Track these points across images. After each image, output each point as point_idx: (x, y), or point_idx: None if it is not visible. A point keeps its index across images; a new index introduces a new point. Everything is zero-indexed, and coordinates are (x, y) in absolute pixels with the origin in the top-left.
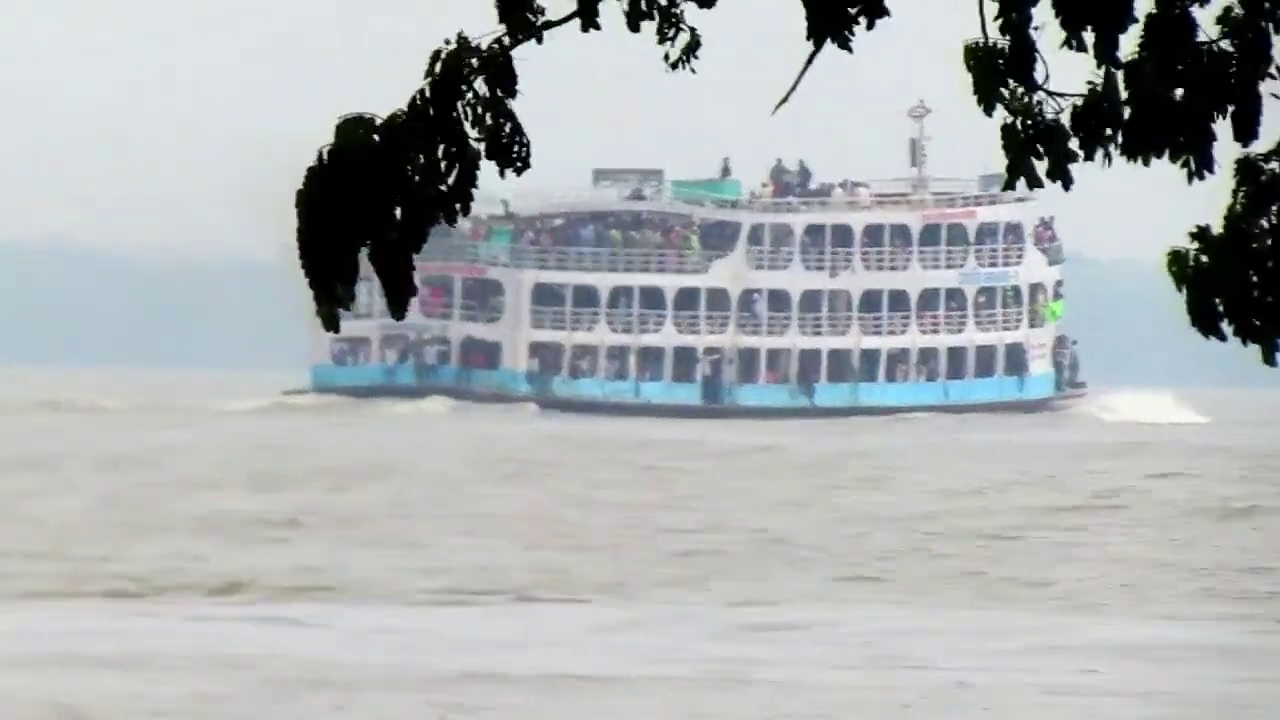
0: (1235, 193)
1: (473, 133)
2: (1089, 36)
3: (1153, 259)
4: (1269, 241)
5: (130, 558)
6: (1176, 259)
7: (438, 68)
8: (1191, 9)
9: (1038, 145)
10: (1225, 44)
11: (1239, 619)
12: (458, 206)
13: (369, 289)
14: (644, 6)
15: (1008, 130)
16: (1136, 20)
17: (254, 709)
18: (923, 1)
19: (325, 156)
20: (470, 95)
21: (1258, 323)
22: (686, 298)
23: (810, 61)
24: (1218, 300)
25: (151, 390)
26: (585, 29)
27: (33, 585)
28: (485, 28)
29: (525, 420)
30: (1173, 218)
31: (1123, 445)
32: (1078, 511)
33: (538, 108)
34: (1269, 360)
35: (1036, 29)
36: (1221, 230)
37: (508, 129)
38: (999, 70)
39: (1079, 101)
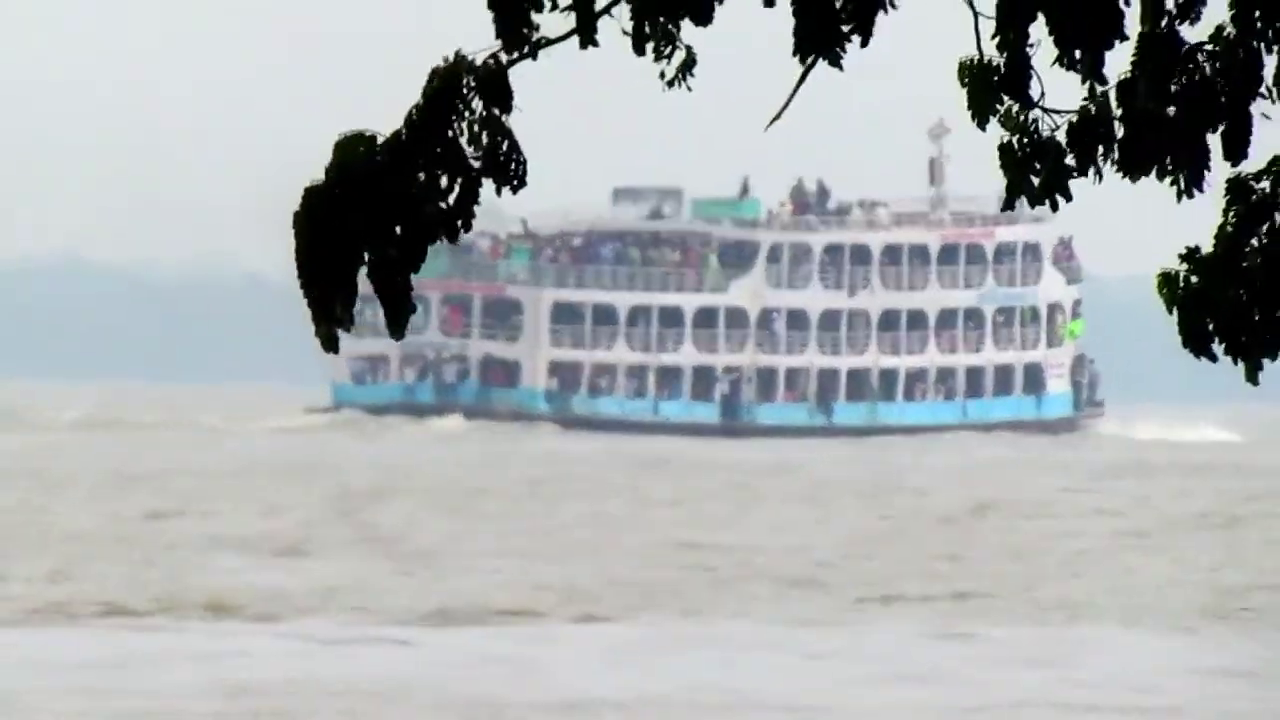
0: (1226, 212)
1: (470, 150)
2: (1080, 54)
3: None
4: (1259, 261)
5: (179, 577)
6: (1167, 280)
7: (435, 84)
8: (1182, 28)
9: (1035, 163)
10: (1216, 63)
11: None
12: (459, 224)
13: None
14: (645, 27)
15: (1004, 148)
16: (1127, 38)
17: None
18: (942, 21)
19: (324, 174)
20: (467, 113)
21: (1247, 341)
22: (705, 316)
23: (803, 80)
24: (1209, 320)
25: (172, 407)
26: (584, 46)
27: (120, 600)
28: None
29: (557, 438)
30: (1182, 234)
31: (1145, 463)
32: (1108, 528)
33: (557, 127)
34: (1252, 379)
35: (1032, 46)
36: (1212, 250)
37: (505, 146)
38: (994, 87)
39: (1074, 119)
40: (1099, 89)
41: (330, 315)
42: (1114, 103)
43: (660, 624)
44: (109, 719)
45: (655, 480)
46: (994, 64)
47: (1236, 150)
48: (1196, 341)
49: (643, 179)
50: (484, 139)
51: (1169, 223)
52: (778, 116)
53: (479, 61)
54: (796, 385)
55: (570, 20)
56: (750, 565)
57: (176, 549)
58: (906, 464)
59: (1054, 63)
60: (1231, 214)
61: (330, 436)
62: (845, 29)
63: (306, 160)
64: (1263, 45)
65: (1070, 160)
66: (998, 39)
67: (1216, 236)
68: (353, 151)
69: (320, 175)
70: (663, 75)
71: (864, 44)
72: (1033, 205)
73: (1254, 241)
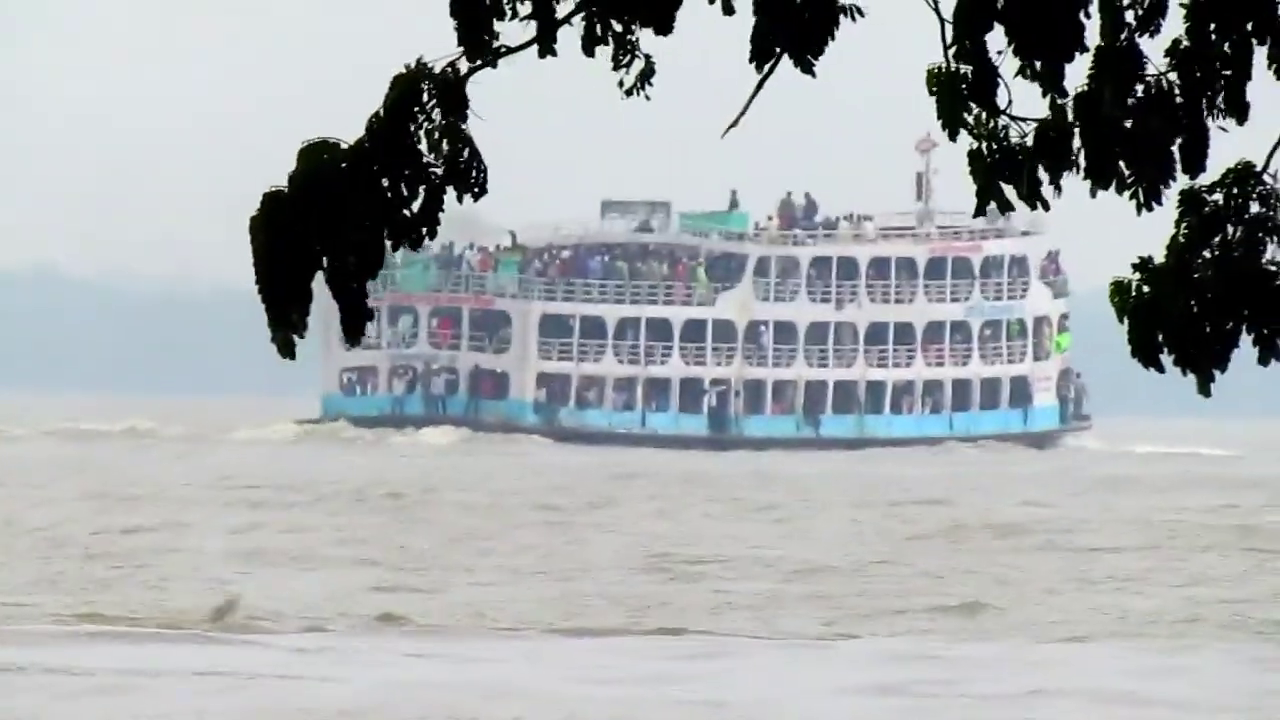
0: (1178, 223)
1: (431, 158)
2: (1040, 65)
3: None
4: (1210, 273)
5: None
6: (1119, 289)
7: (395, 93)
8: (1141, 40)
9: (1005, 170)
10: (1173, 76)
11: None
12: (423, 231)
13: (377, 318)
14: (599, 33)
15: (974, 155)
16: (1087, 49)
17: None
18: (932, 36)
19: (287, 181)
20: (426, 122)
21: (1197, 352)
22: (693, 329)
23: (759, 87)
24: (1159, 331)
25: (154, 418)
26: (542, 55)
27: (104, 612)
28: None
29: (546, 451)
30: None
31: (1133, 477)
32: (1092, 544)
33: (547, 141)
34: (1204, 392)
35: (1000, 54)
36: (1164, 260)
37: (465, 154)
38: (963, 95)
39: (1036, 129)
40: (1060, 100)
41: (286, 321)
42: (1072, 114)
43: (646, 637)
44: None
45: (640, 492)
46: (962, 72)
47: (1194, 163)
48: (1145, 352)
49: (631, 192)
50: (444, 147)
51: (1157, 237)
52: (734, 124)
53: (439, 69)
54: (784, 398)
55: (532, 29)
56: (729, 577)
57: (162, 559)
58: (892, 476)
59: (1017, 74)
60: (1184, 225)
61: (320, 447)
62: (806, 35)
63: (279, 169)
64: (1218, 59)
65: (1041, 169)
66: (954, 48)
67: (1169, 247)
68: (316, 159)
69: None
70: (621, 84)
71: (820, 52)
72: (1002, 212)
73: (1206, 253)
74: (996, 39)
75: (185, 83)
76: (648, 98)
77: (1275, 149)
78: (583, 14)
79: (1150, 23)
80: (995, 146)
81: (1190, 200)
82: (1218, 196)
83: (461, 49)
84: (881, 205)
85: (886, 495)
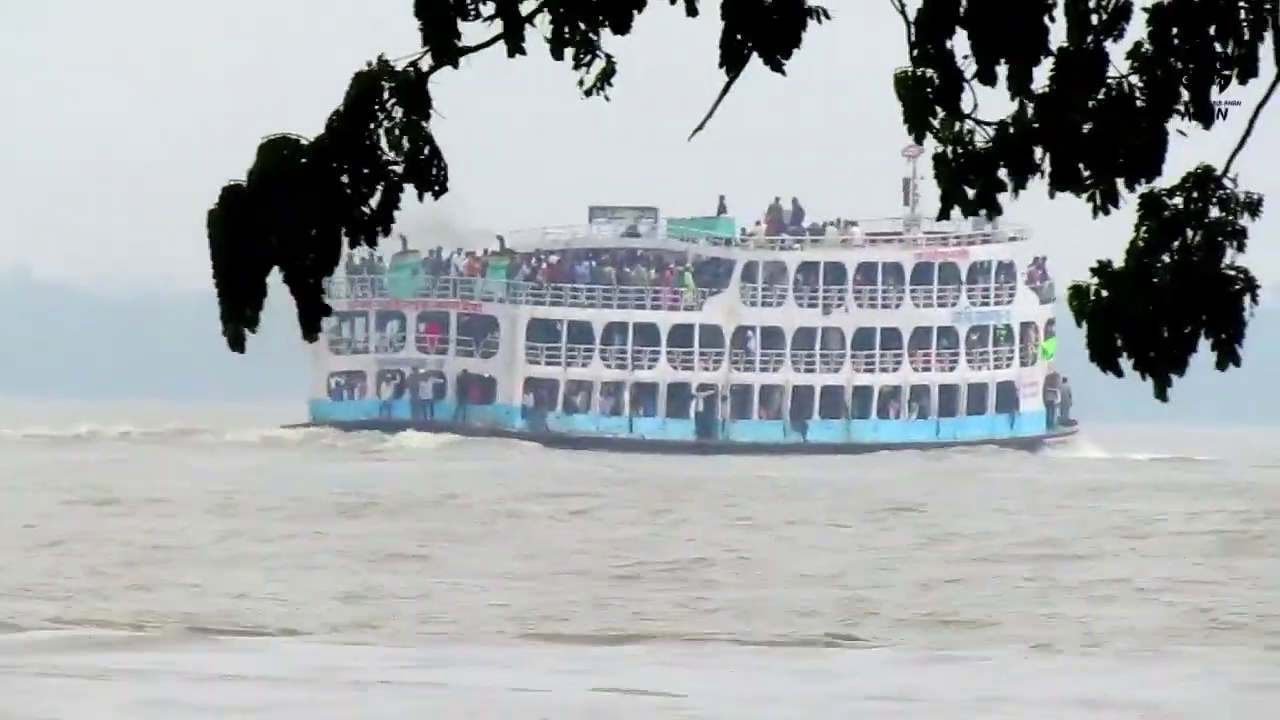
0: (1138, 227)
1: (391, 155)
2: (1002, 70)
3: None
4: (1169, 277)
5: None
6: (1077, 293)
7: (356, 91)
8: (1105, 43)
9: (969, 174)
10: (1135, 79)
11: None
12: (380, 229)
13: (364, 323)
14: (565, 35)
15: (939, 159)
16: (1051, 53)
17: None
18: None
19: (246, 176)
20: (386, 120)
21: (1154, 356)
22: (681, 334)
23: (726, 90)
24: (1117, 335)
25: (137, 423)
26: (511, 54)
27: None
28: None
29: (536, 456)
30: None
31: (1118, 483)
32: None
33: (535, 147)
34: (1161, 396)
35: (966, 58)
36: (1124, 264)
37: (426, 152)
38: (928, 99)
39: (997, 132)
40: (1020, 103)
41: (240, 315)
42: (1034, 116)
43: (636, 644)
44: None
45: (626, 497)
46: (928, 76)
47: (1153, 166)
48: (1104, 355)
49: (619, 198)
50: (405, 145)
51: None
52: (700, 127)
53: (401, 68)
54: (771, 403)
55: (496, 29)
56: (713, 586)
57: (157, 564)
58: (875, 482)
59: (973, 77)
60: (1143, 229)
61: (307, 452)
62: (775, 36)
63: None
64: (1179, 63)
65: (1004, 173)
66: (918, 51)
67: (1128, 251)
68: (275, 154)
69: None
70: (581, 84)
71: (789, 53)
72: (966, 215)
73: (1165, 257)
74: (963, 43)
75: (169, 86)
76: (608, 98)
77: (1235, 153)
78: (551, 16)
79: (1114, 26)
80: (960, 150)
81: (1150, 204)
82: (1177, 200)
83: (425, 48)
84: (869, 210)
85: (867, 502)
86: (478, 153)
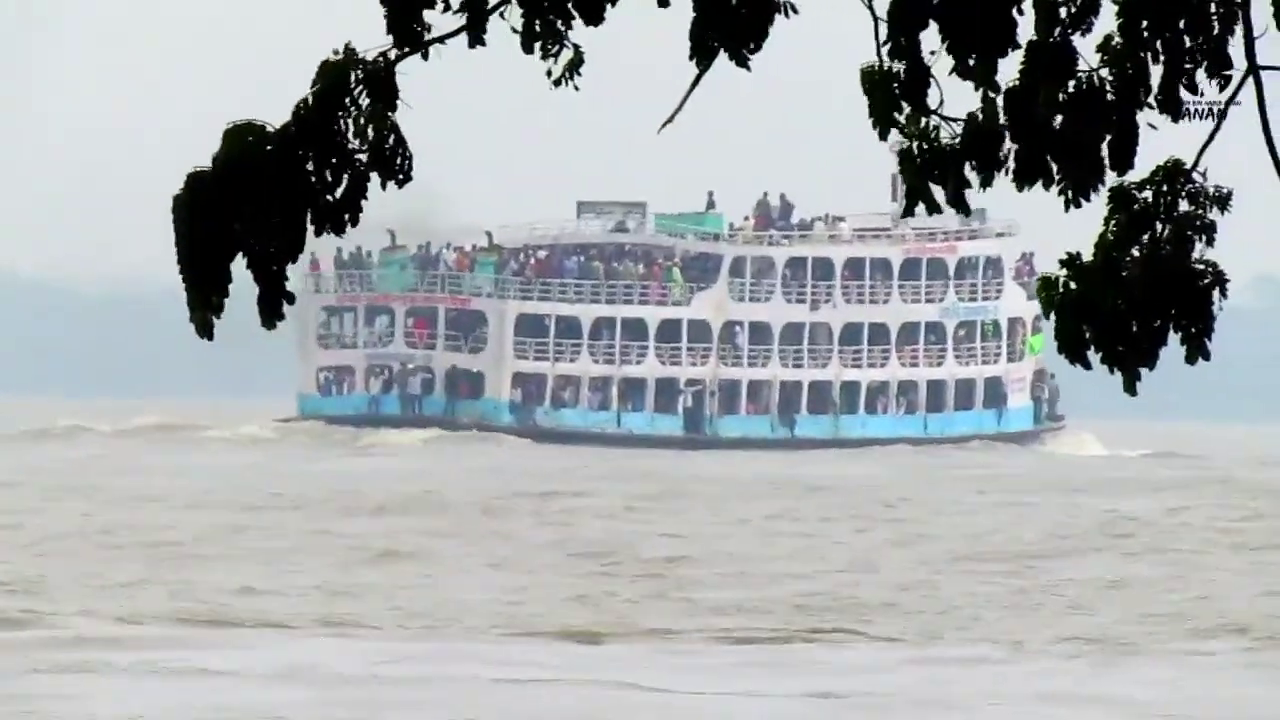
0: (1107, 221)
1: (357, 144)
2: (973, 61)
3: None
4: (1139, 270)
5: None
6: (1046, 285)
7: (323, 79)
8: (1073, 37)
9: (935, 170)
10: (1105, 72)
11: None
12: (346, 218)
13: (353, 318)
14: (536, 26)
15: (905, 155)
16: (1020, 46)
17: None
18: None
19: (211, 162)
20: (353, 108)
21: (1123, 350)
22: (669, 329)
23: (696, 83)
24: (1086, 328)
25: (118, 418)
26: (472, 45)
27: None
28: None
29: (524, 450)
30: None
31: (1107, 479)
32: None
33: (523, 141)
34: (1130, 390)
35: (933, 54)
36: (1093, 258)
37: (391, 141)
38: (894, 94)
39: (964, 126)
40: (985, 96)
41: (206, 302)
42: (1002, 111)
43: (617, 642)
44: None
45: (612, 491)
46: (895, 71)
47: (1123, 160)
48: (1073, 349)
49: (607, 193)
50: (370, 134)
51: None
52: (670, 120)
53: (369, 57)
54: (759, 398)
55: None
56: (694, 582)
57: (151, 560)
58: (860, 478)
59: (951, 71)
60: (1113, 223)
61: (295, 447)
62: (741, 30)
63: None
64: (1149, 55)
65: (970, 169)
66: (889, 45)
67: (1097, 245)
68: (241, 141)
69: None
70: (549, 74)
71: (756, 48)
72: (930, 213)
73: (1134, 251)
74: (931, 38)
75: (169, 86)
76: (576, 88)
77: (1205, 147)
78: (522, 9)
79: (1083, 20)
80: (925, 146)
81: (1119, 198)
82: (1147, 194)
83: (391, 37)
84: (857, 206)
85: (850, 499)
86: (466, 148)
